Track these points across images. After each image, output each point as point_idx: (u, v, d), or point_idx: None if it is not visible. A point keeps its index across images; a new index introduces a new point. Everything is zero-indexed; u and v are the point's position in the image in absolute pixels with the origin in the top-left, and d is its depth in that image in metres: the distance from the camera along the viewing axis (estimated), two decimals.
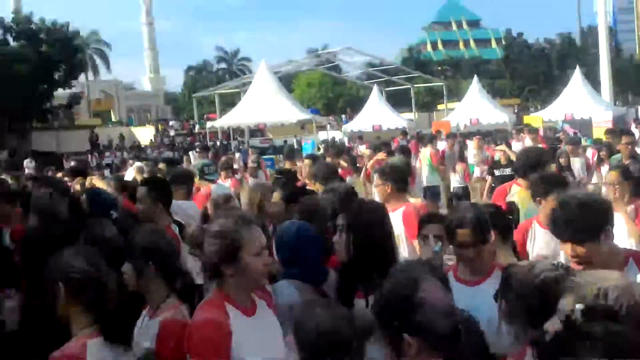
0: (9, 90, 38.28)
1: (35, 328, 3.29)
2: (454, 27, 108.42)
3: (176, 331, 2.96)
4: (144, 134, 52.60)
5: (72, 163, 11.98)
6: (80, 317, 2.82)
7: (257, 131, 43.63)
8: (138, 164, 10.85)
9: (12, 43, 43.06)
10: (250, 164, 14.40)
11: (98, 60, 65.99)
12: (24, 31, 43.07)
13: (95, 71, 65.79)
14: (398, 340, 2.08)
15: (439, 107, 53.33)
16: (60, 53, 42.66)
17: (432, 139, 15.29)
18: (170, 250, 3.36)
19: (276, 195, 4.83)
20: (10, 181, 9.03)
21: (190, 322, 2.92)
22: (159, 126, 56.13)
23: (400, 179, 5.46)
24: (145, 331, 3.12)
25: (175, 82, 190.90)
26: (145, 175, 8.21)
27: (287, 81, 53.83)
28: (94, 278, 2.84)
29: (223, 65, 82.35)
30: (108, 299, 2.84)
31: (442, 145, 16.39)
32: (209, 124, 37.66)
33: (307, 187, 6.23)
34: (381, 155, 10.90)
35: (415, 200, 6.04)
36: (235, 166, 16.18)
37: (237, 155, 24.38)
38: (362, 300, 3.13)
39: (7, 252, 4.79)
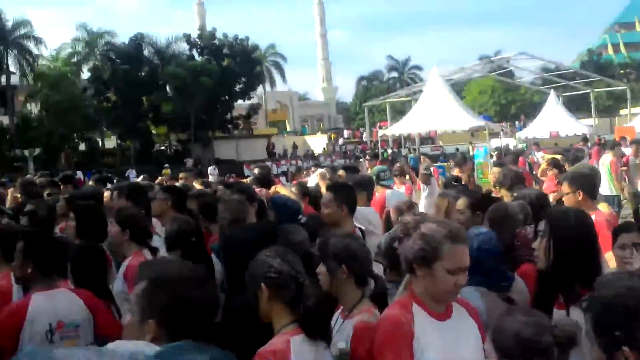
0: (195, 102, 41.17)
1: (237, 326, 3.46)
2: (639, 27, 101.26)
3: (370, 335, 2.97)
4: (317, 143, 54.11)
5: (256, 171, 12.50)
6: (281, 315, 2.96)
7: (428, 139, 43.46)
8: (321, 170, 11.13)
9: (197, 58, 46.14)
10: (422, 171, 14.30)
11: (274, 72, 68.27)
12: (208, 46, 46.03)
13: (272, 82, 68.14)
14: (614, 351, 1.99)
15: (621, 112, 50.04)
16: (241, 66, 45.13)
17: (614, 146, 14.27)
18: (363, 254, 3.41)
19: (461, 202, 4.77)
20: (199, 187, 9.69)
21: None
22: (331, 135, 57.53)
23: (591, 185, 5.24)
24: (340, 332, 3.20)
25: (346, 91, 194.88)
26: (327, 182, 8.44)
27: (459, 88, 52.92)
28: (293, 276, 2.97)
29: (394, 74, 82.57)
30: (307, 297, 2.95)
31: (627, 151, 15.30)
32: (380, 132, 37.94)
33: (492, 195, 6.12)
34: (544, 164, 10.57)
35: (603, 208, 5.74)
36: None
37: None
38: (562, 311, 3.02)
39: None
